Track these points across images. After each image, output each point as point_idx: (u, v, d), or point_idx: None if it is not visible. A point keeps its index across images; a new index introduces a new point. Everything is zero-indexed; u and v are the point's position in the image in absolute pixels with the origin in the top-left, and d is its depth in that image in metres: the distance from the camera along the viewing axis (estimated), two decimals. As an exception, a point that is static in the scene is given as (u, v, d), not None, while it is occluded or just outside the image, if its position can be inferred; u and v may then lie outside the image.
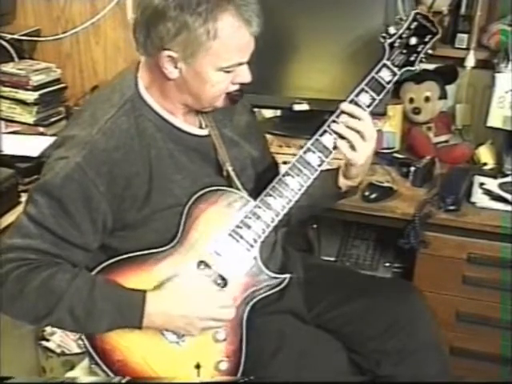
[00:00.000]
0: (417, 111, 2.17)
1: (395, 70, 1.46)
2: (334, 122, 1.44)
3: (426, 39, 1.47)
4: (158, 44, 1.29)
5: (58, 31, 2.50)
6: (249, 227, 1.41)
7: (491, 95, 1.97)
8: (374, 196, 1.88)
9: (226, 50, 1.30)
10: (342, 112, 1.44)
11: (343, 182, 1.54)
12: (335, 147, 1.44)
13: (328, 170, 1.55)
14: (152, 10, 1.28)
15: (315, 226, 2.24)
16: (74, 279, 1.31)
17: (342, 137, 1.43)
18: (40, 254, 1.31)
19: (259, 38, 1.34)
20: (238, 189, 1.45)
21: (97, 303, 1.31)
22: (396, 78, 1.46)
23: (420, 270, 1.88)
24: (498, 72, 1.97)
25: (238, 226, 1.42)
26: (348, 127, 1.43)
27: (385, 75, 1.46)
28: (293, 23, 2.00)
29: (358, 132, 1.42)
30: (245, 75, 1.36)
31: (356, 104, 1.44)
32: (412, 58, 1.47)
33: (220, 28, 1.26)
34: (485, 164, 2.04)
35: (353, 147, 1.43)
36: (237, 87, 1.38)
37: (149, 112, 1.37)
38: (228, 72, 1.33)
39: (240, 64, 1.34)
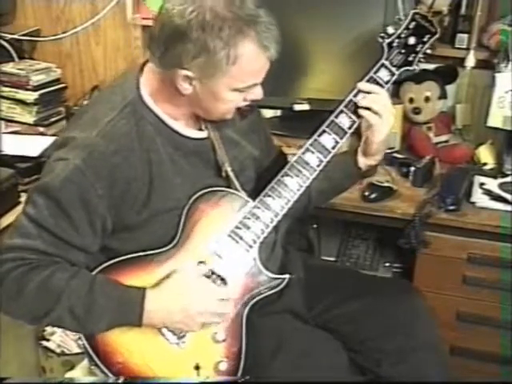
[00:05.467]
0: (417, 111, 2.16)
1: (393, 69, 1.46)
2: (351, 101, 1.44)
3: (425, 39, 1.47)
4: (174, 62, 1.29)
5: (57, 31, 2.50)
6: (248, 228, 1.41)
7: (491, 95, 1.97)
8: (373, 196, 1.88)
9: (243, 74, 1.30)
10: (360, 91, 1.44)
11: (363, 162, 1.54)
12: (334, 147, 1.44)
13: (345, 151, 1.57)
14: (173, 29, 1.26)
15: (315, 225, 2.24)
16: (72, 278, 1.31)
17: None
18: (39, 254, 1.30)
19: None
20: (236, 189, 1.45)
21: (96, 301, 1.31)
22: (394, 77, 1.47)
23: (420, 269, 1.88)
24: (498, 72, 1.97)
25: (237, 227, 1.42)
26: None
27: (383, 75, 1.46)
28: (293, 23, 2.00)
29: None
30: (257, 93, 1.37)
31: (355, 105, 1.44)
32: (410, 58, 1.47)
33: (240, 54, 1.26)
34: (485, 164, 2.03)
35: (377, 114, 1.44)
36: (247, 102, 1.39)
37: (149, 115, 1.37)
38: (241, 92, 1.34)
39: (254, 85, 1.35)
